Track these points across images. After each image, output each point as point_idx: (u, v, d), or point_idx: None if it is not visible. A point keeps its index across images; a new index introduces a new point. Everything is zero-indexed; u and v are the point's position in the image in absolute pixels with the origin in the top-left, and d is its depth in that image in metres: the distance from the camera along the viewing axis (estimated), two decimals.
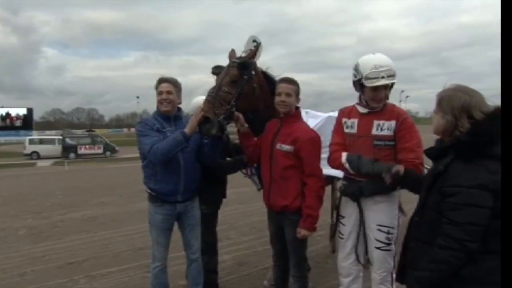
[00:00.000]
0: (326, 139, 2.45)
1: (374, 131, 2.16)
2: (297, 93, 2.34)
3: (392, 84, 2.18)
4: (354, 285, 2.39)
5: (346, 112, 2.36)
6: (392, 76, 2.12)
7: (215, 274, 3.08)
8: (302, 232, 2.27)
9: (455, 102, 1.52)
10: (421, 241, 1.62)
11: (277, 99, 2.32)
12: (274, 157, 2.36)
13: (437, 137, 1.67)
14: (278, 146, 2.33)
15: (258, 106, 2.50)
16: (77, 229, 5.58)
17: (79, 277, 3.72)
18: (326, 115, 3.27)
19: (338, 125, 2.39)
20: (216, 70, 2.48)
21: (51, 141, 23.77)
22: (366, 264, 2.31)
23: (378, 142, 2.15)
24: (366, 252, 2.29)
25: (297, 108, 2.41)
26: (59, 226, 5.88)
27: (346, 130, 2.32)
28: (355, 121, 2.27)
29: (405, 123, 2.11)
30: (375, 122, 2.16)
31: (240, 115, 2.43)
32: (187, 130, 2.32)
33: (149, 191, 2.57)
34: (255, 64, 2.48)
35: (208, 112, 2.28)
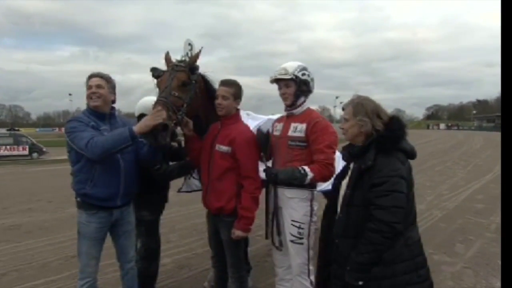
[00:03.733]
0: None
1: (290, 133, 2.39)
2: (235, 95, 2.37)
3: (295, 82, 2.36)
4: (287, 276, 2.55)
5: (280, 118, 2.63)
6: (283, 74, 2.37)
7: (153, 280, 3.02)
8: (236, 232, 2.32)
9: (368, 107, 1.82)
10: (348, 237, 1.80)
11: (216, 101, 2.38)
12: (213, 158, 2.39)
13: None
14: (216, 147, 2.37)
15: (199, 110, 2.51)
16: None
17: None
18: (266, 117, 3.39)
19: (272, 130, 2.58)
20: (155, 73, 2.41)
21: None
22: (279, 246, 2.45)
23: (291, 143, 2.37)
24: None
25: (237, 110, 2.45)
26: None
27: (275, 133, 2.52)
28: (281, 124, 2.50)
29: (316, 126, 2.30)
30: (292, 125, 2.40)
31: (189, 121, 2.41)
32: (136, 128, 2.16)
33: (81, 198, 2.34)
34: (197, 67, 2.46)
35: (166, 119, 2.16)
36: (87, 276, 2.37)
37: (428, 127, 74.67)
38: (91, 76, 2.39)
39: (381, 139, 1.76)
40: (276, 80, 2.43)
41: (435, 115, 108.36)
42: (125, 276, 2.59)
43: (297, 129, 2.36)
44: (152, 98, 2.72)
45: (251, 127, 2.74)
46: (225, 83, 2.38)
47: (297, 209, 2.35)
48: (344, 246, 1.81)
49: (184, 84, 2.34)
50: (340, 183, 1.99)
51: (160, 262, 3.08)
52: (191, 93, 2.35)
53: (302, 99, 2.42)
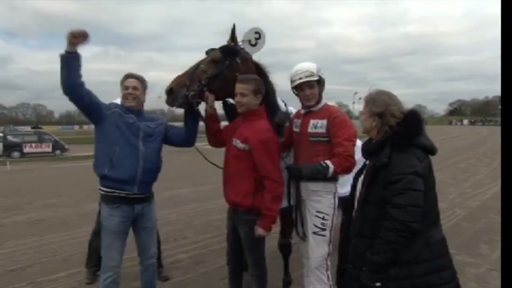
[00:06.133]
0: None
1: (310, 129, 2.42)
2: (255, 91, 2.31)
3: (319, 82, 2.41)
4: None
5: (297, 114, 2.64)
6: (310, 76, 2.37)
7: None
8: (258, 230, 2.30)
9: (380, 102, 1.77)
10: (364, 236, 1.75)
11: (235, 99, 2.37)
12: (230, 153, 2.41)
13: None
14: (233, 141, 2.36)
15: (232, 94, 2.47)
16: (21, 233, 5.19)
17: (22, 285, 3.48)
18: None
19: (290, 125, 2.63)
20: (209, 51, 2.53)
21: None
22: (303, 237, 2.48)
23: (313, 139, 2.40)
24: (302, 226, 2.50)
25: (261, 106, 2.39)
26: None
27: (295, 129, 2.56)
28: (299, 121, 2.53)
29: (335, 120, 2.34)
30: (311, 121, 2.43)
31: (211, 96, 2.42)
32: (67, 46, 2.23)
33: (103, 188, 2.43)
34: (241, 52, 2.52)
35: (175, 83, 2.37)
36: (110, 270, 2.43)
37: (450, 123, 72.43)
38: (128, 77, 2.49)
39: (396, 136, 1.70)
40: (306, 83, 2.39)
41: (458, 110, 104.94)
42: (144, 272, 2.65)
43: (318, 126, 2.39)
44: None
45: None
46: (242, 80, 2.34)
47: (322, 201, 2.38)
48: (360, 245, 1.77)
49: (214, 61, 2.46)
50: (357, 181, 1.95)
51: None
52: (218, 70, 2.42)
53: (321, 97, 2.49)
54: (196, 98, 2.40)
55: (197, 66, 2.47)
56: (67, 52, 2.23)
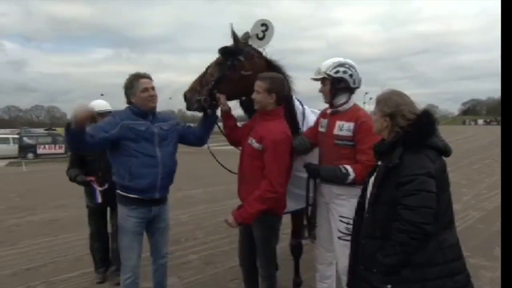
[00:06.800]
0: None
1: (336, 131, 2.31)
2: (269, 90, 2.27)
3: (333, 81, 2.30)
4: (328, 273, 2.53)
5: (323, 112, 2.54)
6: (317, 73, 2.33)
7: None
8: (228, 217, 2.27)
9: (391, 102, 1.73)
10: (375, 237, 1.72)
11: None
12: (245, 151, 2.39)
13: None
14: (249, 140, 2.35)
15: (250, 92, 2.41)
16: (35, 233, 5.31)
17: (36, 284, 3.55)
18: None
19: (314, 124, 2.57)
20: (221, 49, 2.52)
21: (4, 140, 22.25)
22: (312, 239, 2.48)
23: (339, 142, 2.30)
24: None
25: (279, 106, 2.34)
26: (14, 230, 5.56)
27: (320, 129, 2.46)
28: (326, 120, 2.42)
29: (362, 126, 2.22)
30: (337, 123, 2.32)
31: (221, 96, 2.45)
32: (71, 124, 2.08)
33: (121, 190, 2.41)
34: (244, 50, 2.47)
35: (188, 89, 2.48)
36: (130, 270, 2.45)
37: (464, 123, 71.02)
38: (140, 77, 2.42)
39: (408, 136, 1.67)
40: (314, 79, 2.40)
41: (472, 110, 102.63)
42: (156, 272, 2.66)
43: (344, 128, 2.28)
44: (97, 102, 3.34)
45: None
46: (260, 77, 2.33)
47: (346, 205, 2.30)
48: (370, 247, 1.73)
49: (218, 63, 2.48)
50: (368, 181, 1.92)
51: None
52: (221, 72, 2.43)
53: (343, 96, 2.33)
54: (208, 102, 2.44)
55: (206, 70, 2.50)
56: (73, 129, 2.10)
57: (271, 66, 2.56)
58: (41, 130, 31.05)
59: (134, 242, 2.45)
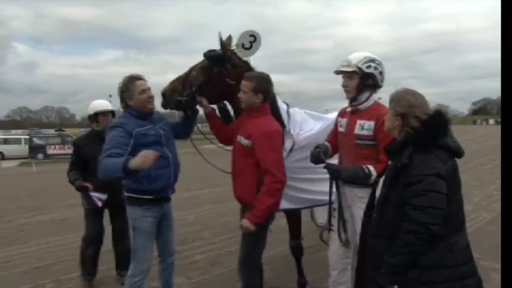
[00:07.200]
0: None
1: (356, 130, 2.23)
2: (255, 89, 2.27)
3: (362, 76, 2.20)
4: (342, 279, 2.44)
5: (342, 112, 2.46)
6: (346, 65, 2.23)
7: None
8: (243, 221, 2.22)
9: (404, 102, 1.71)
10: (382, 237, 1.70)
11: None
12: (235, 150, 2.42)
13: None
14: (238, 138, 2.36)
15: (234, 98, 2.48)
16: (44, 232, 5.38)
17: (45, 282, 3.60)
18: (333, 116, 2.81)
19: (335, 125, 2.51)
20: (207, 53, 2.54)
21: (16, 141, 22.63)
22: (346, 243, 2.34)
23: (359, 141, 2.22)
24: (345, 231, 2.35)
25: (265, 103, 2.35)
26: (25, 229, 5.65)
27: (340, 129, 2.40)
28: (345, 120, 2.36)
29: (383, 125, 2.15)
30: (358, 122, 2.23)
31: (203, 99, 2.51)
32: (131, 164, 2.01)
33: (135, 195, 2.37)
34: (231, 58, 2.50)
35: (168, 88, 2.51)
36: (141, 273, 2.43)
37: (474, 123, 69.91)
38: (137, 79, 2.41)
39: (418, 136, 1.64)
40: (340, 72, 2.28)
41: (483, 109, 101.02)
42: (164, 271, 2.65)
43: (364, 127, 2.19)
44: (97, 102, 3.34)
45: (316, 129, 2.68)
46: (245, 77, 2.34)
47: None
48: (378, 247, 1.72)
49: (204, 68, 2.51)
50: (378, 181, 1.90)
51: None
52: (207, 78, 2.47)
53: (366, 93, 2.23)
54: (189, 104, 2.52)
55: (190, 72, 2.51)
56: (131, 171, 2.02)
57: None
58: (51, 131, 31.51)
59: (150, 242, 2.47)
